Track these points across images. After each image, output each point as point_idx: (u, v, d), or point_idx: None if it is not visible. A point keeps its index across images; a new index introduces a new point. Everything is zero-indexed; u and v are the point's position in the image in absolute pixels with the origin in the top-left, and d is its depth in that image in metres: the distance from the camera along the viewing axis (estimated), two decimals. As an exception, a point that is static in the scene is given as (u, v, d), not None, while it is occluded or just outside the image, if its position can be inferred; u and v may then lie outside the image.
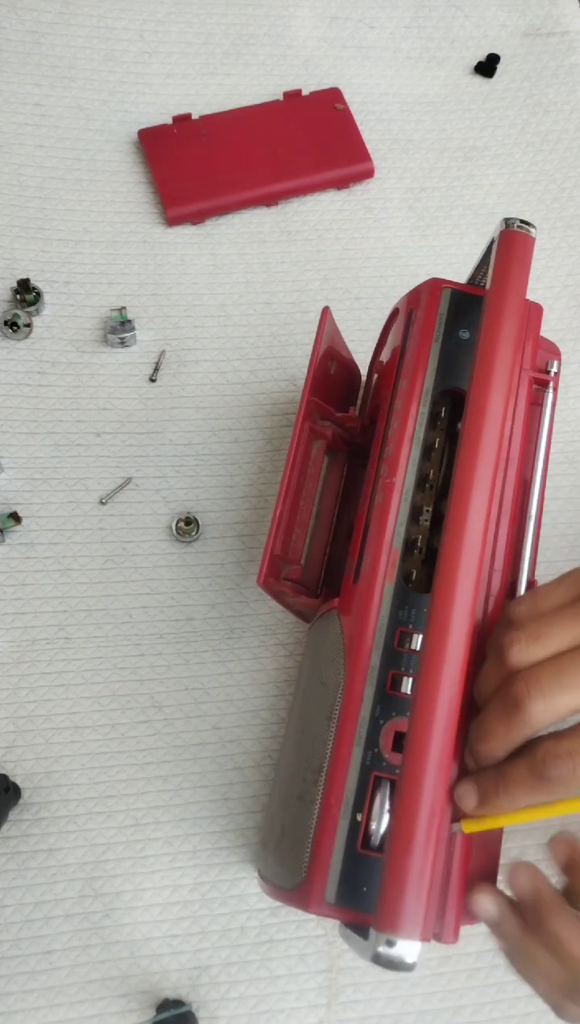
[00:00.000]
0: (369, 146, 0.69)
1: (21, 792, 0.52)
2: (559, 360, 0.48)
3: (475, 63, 0.74)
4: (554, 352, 0.49)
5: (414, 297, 0.48)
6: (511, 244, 0.41)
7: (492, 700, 0.37)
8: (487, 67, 0.73)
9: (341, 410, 0.52)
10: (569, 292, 0.67)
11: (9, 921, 0.50)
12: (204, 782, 0.53)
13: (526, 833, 0.53)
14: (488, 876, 0.39)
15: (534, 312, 0.47)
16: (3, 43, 0.70)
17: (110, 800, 0.52)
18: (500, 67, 0.74)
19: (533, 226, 0.42)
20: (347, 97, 0.71)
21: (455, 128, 0.72)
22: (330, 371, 0.54)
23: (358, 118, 0.70)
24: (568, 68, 0.74)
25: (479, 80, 0.74)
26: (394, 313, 0.51)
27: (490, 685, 0.38)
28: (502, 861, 0.40)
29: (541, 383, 0.47)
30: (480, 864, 0.39)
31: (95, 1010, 0.48)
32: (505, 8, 0.76)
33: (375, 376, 0.54)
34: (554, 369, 0.47)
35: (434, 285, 0.47)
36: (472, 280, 0.48)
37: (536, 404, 0.47)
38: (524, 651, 0.37)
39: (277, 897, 0.41)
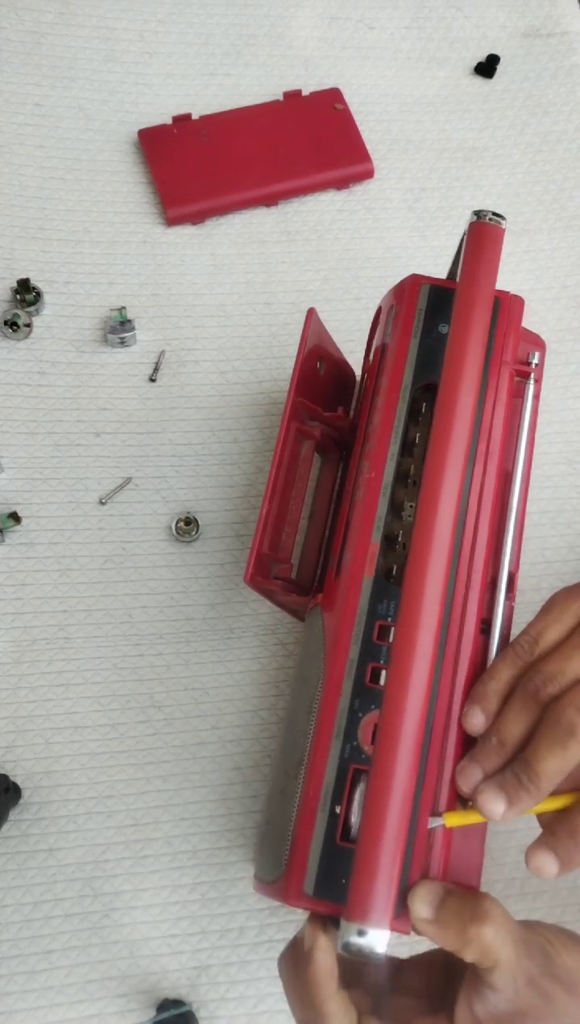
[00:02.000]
0: (369, 146, 0.69)
1: (21, 792, 0.52)
2: (542, 352, 0.48)
3: (475, 64, 0.74)
4: (538, 344, 0.49)
5: (397, 294, 0.49)
6: (480, 236, 0.42)
7: (542, 735, 0.37)
8: (487, 68, 0.73)
9: (333, 410, 0.52)
10: (569, 292, 0.67)
11: (9, 921, 0.50)
12: (204, 782, 0.53)
13: (508, 834, 0.53)
14: (472, 869, 0.39)
15: (515, 304, 0.47)
16: (3, 43, 0.70)
17: (110, 800, 0.52)
18: (500, 68, 0.74)
19: (503, 218, 0.42)
20: (347, 97, 0.71)
21: (455, 128, 0.72)
22: (319, 371, 0.54)
23: (358, 118, 0.70)
24: (568, 69, 0.74)
25: (479, 80, 0.74)
26: (379, 313, 0.52)
27: (519, 727, 0.38)
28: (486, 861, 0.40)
29: (523, 375, 0.47)
30: (462, 864, 0.39)
31: (95, 1010, 0.49)
32: (505, 9, 0.76)
33: (365, 376, 0.55)
34: (535, 360, 0.47)
35: (413, 281, 0.47)
36: (451, 275, 0.48)
37: (518, 396, 0.47)
38: (556, 684, 0.38)
39: (263, 892, 0.41)
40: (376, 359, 0.48)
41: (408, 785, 0.33)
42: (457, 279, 0.47)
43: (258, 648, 0.56)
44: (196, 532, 0.58)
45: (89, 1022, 0.48)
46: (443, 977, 0.39)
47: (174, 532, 0.58)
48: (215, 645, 0.56)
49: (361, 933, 0.32)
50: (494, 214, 0.42)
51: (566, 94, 0.74)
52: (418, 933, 0.36)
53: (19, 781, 0.52)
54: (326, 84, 0.71)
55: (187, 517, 0.58)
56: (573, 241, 0.69)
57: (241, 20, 0.73)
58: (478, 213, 0.42)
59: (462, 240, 0.43)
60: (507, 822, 0.37)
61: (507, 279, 0.48)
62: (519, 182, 0.71)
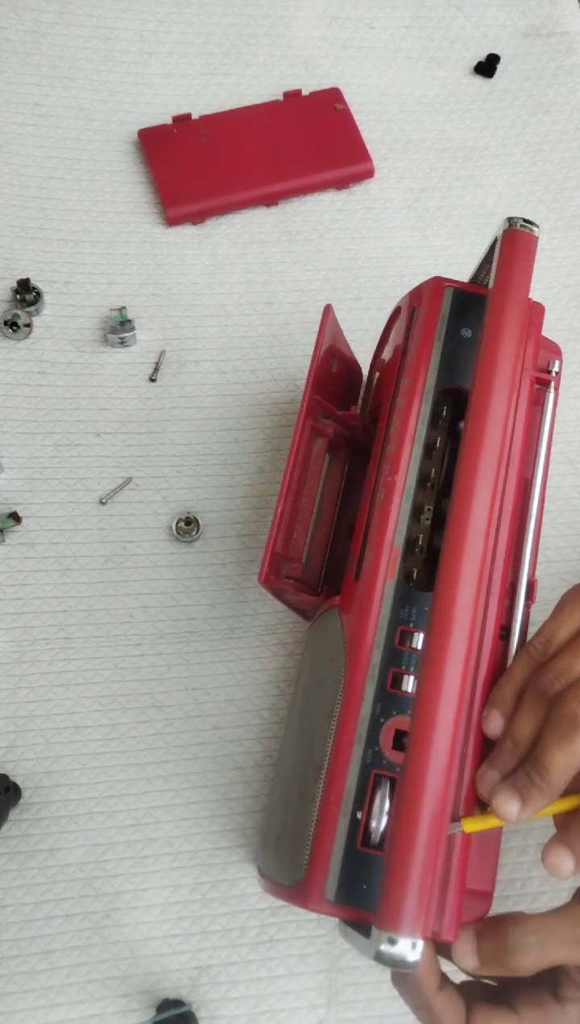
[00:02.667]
0: (369, 146, 0.69)
1: (21, 792, 0.52)
2: (560, 360, 0.48)
3: (475, 63, 0.74)
4: (555, 352, 0.49)
5: (417, 296, 0.48)
6: (514, 243, 0.41)
7: (548, 731, 0.37)
8: (487, 67, 0.73)
9: (341, 408, 0.52)
10: (569, 292, 0.67)
11: (9, 921, 0.50)
12: (205, 782, 0.53)
13: (508, 834, 0.53)
14: (487, 874, 0.39)
15: (536, 312, 0.47)
16: (3, 43, 0.70)
17: (110, 800, 0.52)
18: (500, 67, 0.74)
19: (536, 225, 0.42)
20: (347, 97, 0.71)
21: (455, 128, 0.72)
22: (332, 369, 0.54)
23: (358, 118, 0.70)
24: (568, 68, 0.74)
25: (479, 80, 0.74)
26: (396, 311, 0.51)
27: (530, 726, 0.39)
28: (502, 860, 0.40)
29: (542, 383, 0.47)
30: (477, 865, 0.39)
31: (95, 1010, 0.48)
32: (505, 8, 0.76)
33: (377, 375, 0.54)
34: (555, 369, 0.47)
35: (437, 284, 0.47)
36: (475, 279, 0.48)
37: (537, 404, 0.47)
38: (563, 680, 0.38)
39: (277, 894, 0.41)
40: (396, 359, 0.48)
41: (440, 794, 0.33)
42: (481, 282, 0.47)
43: (259, 648, 0.56)
44: (196, 532, 0.58)
45: (89, 1022, 0.48)
46: None
47: (174, 532, 0.58)
48: (216, 645, 0.56)
49: (392, 941, 0.32)
50: (525, 220, 0.41)
51: (566, 94, 0.74)
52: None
53: (19, 781, 0.52)
54: (326, 84, 0.71)
55: (187, 517, 0.58)
56: (573, 241, 0.69)
57: (241, 20, 0.73)
58: (510, 220, 0.42)
59: (492, 246, 0.43)
60: (523, 821, 0.37)
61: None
62: (519, 182, 0.71)
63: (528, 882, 0.52)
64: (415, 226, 0.69)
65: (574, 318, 0.67)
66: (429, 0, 0.76)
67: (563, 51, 0.75)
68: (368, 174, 0.69)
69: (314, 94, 0.70)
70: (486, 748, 0.40)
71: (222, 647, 0.56)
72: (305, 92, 0.70)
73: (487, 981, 0.40)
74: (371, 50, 0.74)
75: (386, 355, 0.52)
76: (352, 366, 0.57)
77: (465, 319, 0.46)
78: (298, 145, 0.68)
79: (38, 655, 0.55)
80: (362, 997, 0.50)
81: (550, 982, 0.37)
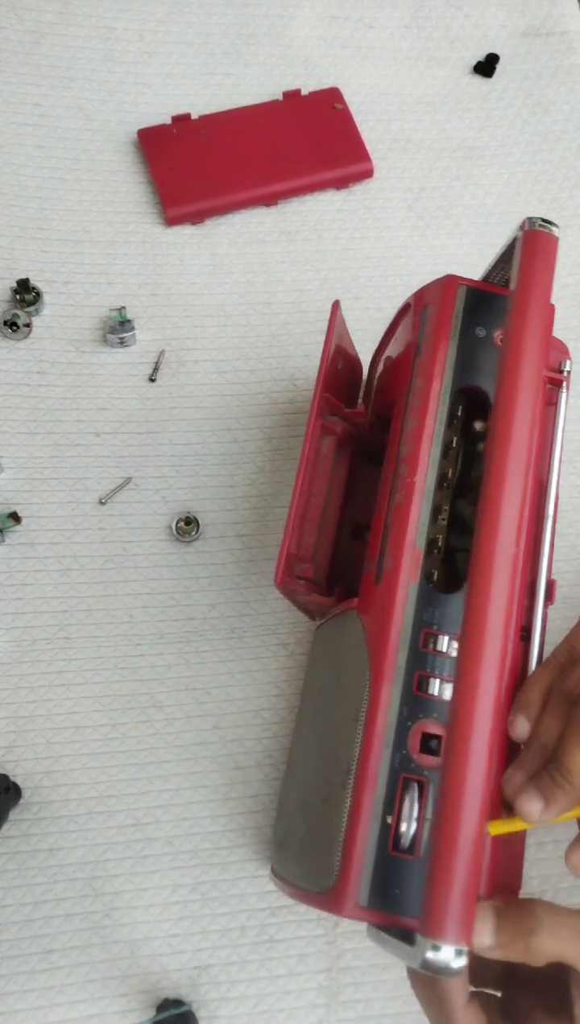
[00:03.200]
0: (368, 146, 0.69)
1: (22, 792, 0.52)
2: (570, 359, 0.48)
3: (474, 63, 0.74)
4: (564, 352, 0.48)
5: (427, 293, 0.48)
6: (536, 244, 0.41)
7: (571, 732, 0.37)
8: (486, 67, 0.73)
9: (347, 406, 0.52)
10: (569, 292, 0.67)
11: (9, 921, 0.50)
12: (205, 782, 0.53)
13: (545, 831, 0.53)
14: (512, 877, 0.39)
15: (546, 312, 0.47)
16: (3, 43, 0.70)
17: (111, 800, 0.52)
18: (500, 67, 0.74)
19: (556, 225, 0.41)
20: (347, 97, 0.71)
21: (455, 128, 0.72)
22: (338, 367, 0.53)
23: (358, 118, 0.70)
24: (567, 68, 0.74)
25: (479, 80, 0.74)
26: (405, 308, 0.51)
27: (557, 729, 0.39)
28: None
29: (555, 383, 0.47)
30: (503, 866, 0.39)
31: (95, 1010, 0.48)
32: (505, 8, 0.76)
33: (378, 372, 0.54)
34: (567, 368, 0.47)
35: (450, 282, 0.47)
36: (488, 278, 0.48)
37: (550, 404, 0.47)
38: None
39: (302, 899, 0.41)
40: (408, 358, 0.48)
41: (481, 798, 0.32)
42: (495, 282, 0.46)
43: (259, 648, 0.56)
44: (196, 532, 0.58)
45: (89, 1022, 0.48)
46: (553, 969, 0.39)
47: (174, 532, 0.58)
48: (216, 645, 0.56)
49: (435, 948, 0.31)
50: (544, 220, 0.41)
51: (566, 93, 0.73)
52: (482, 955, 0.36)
53: (20, 781, 0.52)
54: (326, 84, 0.71)
55: (187, 517, 0.58)
56: (573, 240, 0.69)
57: (240, 20, 0.73)
58: (531, 220, 0.41)
59: (511, 245, 0.43)
60: (546, 823, 0.37)
61: (507, 278, 0.48)
62: (519, 181, 0.71)
63: (528, 881, 0.52)
64: (415, 226, 0.69)
65: (574, 318, 0.67)
66: (428, 0, 0.76)
67: (562, 51, 0.75)
68: (367, 174, 0.69)
69: (313, 94, 0.70)
70: (511, 752, 0.40)
71: (222, 647, 0.56)
72: (304, 92, 0.70)
73: (486, 990, 0.39)
74: (371, 50, 0.74)
75: (393, 352, 0.52)
76: (354, 364, 0.57)
77: (479, 318, 0.46)
78: (297, 145, 0.68)
79: (38, 655, 0.55)
80: (362, 997, 0.50)
81: (559, 1001, 0.37)
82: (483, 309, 0.46)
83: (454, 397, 0.45)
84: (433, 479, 0.43)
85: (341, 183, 0.69)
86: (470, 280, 0.47)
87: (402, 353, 0.49)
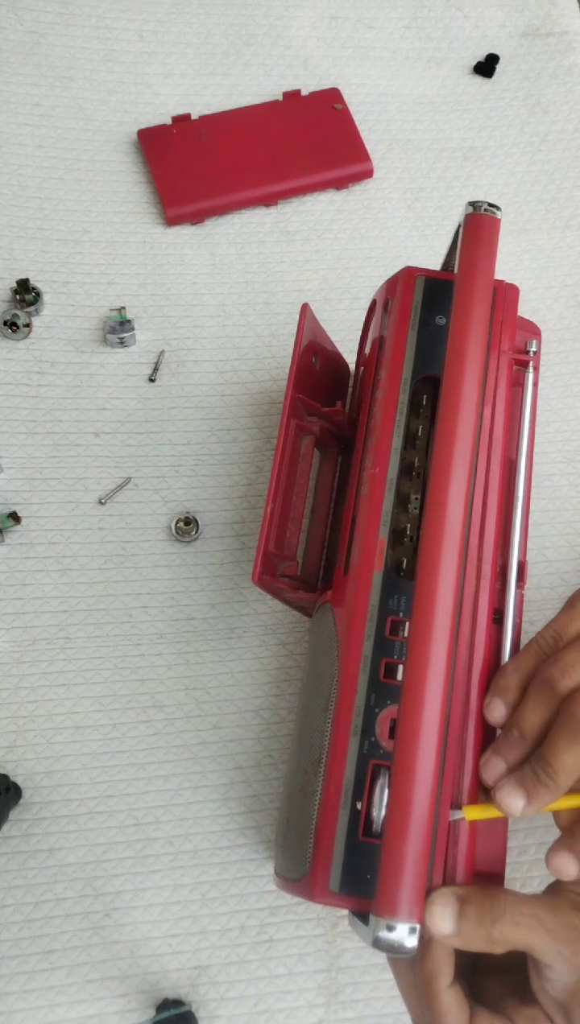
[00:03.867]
0: (368, 146, 0.69)
1: (22, 792, 0.52)
2: (539, 339, 0.48)
3: (474, 63, 0.74)
4: (534, 332, 0.49)
5: (390, 287, 0.49)
6: (477, 227, 0.42)
7: (558, 729, 0.37)
8: (486, 67, 0.73)
9: (329, 405, 0.52)
10: (569, 291, 0.67)
11: (9, 921, 0.50)
12: (205, 782, 0.53)
13: (528, 831, 0.53)
14: (494, 864, 0.39)
15: (511, 293, 0.47)
16: (3, 43, 0.70)
17: (111, 800, 0.52)
18: (499, 67, 0.74)
19: (499, 208, 0.42)
20: (346, 97, 0.71)
21: (454, 128, 0.72)
22: (315, 366, 0.54)
23: (357, 118, 0.70)
24: (567, 68, 0.74)
25: (478, 80, 0.74)
26: (373, 305, 0.52)
27: (537, 717, 0.38)
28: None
29: (521, 363, 0.47)
30: (486, 852, 0.39)
31: (95, 1010, 0.49)
32: (504, 8, 0.76)
33: (361, 370, 0.55)
34: (533, 348, 0.47)
35: (408, 274, 0.47)
36: (445, 266, 0.48)
37: (518, 385, 0.47)
38: (573, 675, 0.38)
39: (287, 889, 0.41)
40: (374, 352, 0.48)
41: (431, 779, 0.33)
42: (453, 270, 0.47)
43: (259, 648, 0.56)
44: (196, 532, 0.58)
45: (89, 1022, 0.48)
46: (518, 955, 0.38)
47: (174, 532, 0.58)
48: (216, 645, 0.56)
49: (390, 928, 0.32)
50: (490, 204, 0.42)
51: (565, 93, 0.74)
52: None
53: (20, 781, 0.52)
54: (325, 84, 0.71)
55: (187, 517, 0.58)
56: (573, 240, 0.69)
57: (240, 20, 0.73)
58: (474, 204, 0.42)
59: (457, 232, 0.43)
60: (526, 817, 0.37)
61: (507, 278, 0.48)
62: (518, 181, 0.71)
63: (528, 881, 0.52)
64: (414, 226, 0.69)
65: (574, 317, 0.67)
66: (428, 0, 0.76)
67: (562, 51, 0.75)
68: (367, 174, 0.69)
69: (313, 94, 0.70)
70: (487, 734, 0.40)
71: (222, 647, 0.56)
72: (304, 92, 0.70)
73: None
74: (370, 50, 0.74)
75: (366, 349, 0.53)
76: (336, 361, 0.57)
77: (438, 307, 0.47)
78: (297, 145, 0.68)
79: (38, 655, 0.55)
80: (361, 997, 0.50)
81: (527, 985, 0.37)
82: (441, 297, 0.47)
83: (417, 387, 0.45)
84: (396, 468, 0.44)
85: (341, 183, 0.69)
86: (427, 270, 0.47)
87: (371, 349, 0.49)
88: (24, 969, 0.49)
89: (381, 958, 0.50)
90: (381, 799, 0.38)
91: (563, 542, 0.60)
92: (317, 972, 0.50)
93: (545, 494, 0.61)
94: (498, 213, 0.42)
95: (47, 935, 0.50)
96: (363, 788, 0.38)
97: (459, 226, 0.43)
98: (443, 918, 0.35)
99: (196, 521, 0.58)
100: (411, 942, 0.32)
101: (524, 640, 0.42)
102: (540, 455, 0.61)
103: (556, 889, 0.37)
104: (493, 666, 0.42)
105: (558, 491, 0.61)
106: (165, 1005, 0.48)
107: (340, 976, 0.50)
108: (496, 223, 0.42)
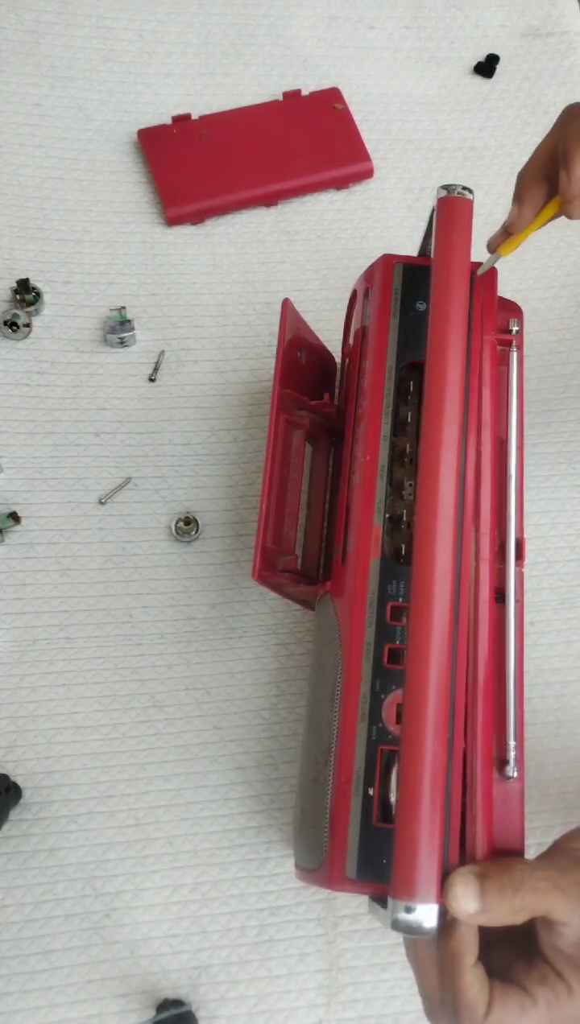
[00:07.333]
0: (368, 146, 0.69)
1: (22, 792, 0.52)
2: (521, 319, 0.48)
3: (475, 63, 0.74)
4: (515, 311, 0.49)
5: (369, 276, 0.49)
6: (451, 209, 0.42)
7: None
8: (486, 67, 0.73)
9: (318, 398, 0.53)
10: (569, 292, 0.67)
11: (9, 921, 0.50)
12: (205, 782, 0.53)
13: (552, 812, 0.53)
14: (512, 840, 0.39)
15: (489, 274, 0.47)
16: (3, 43, 0.70)
17: (111, 800, 0.52)
18: (499, 67, 0.74)
19: (471, 191, 0.42)
20: (347, 97, 0.71)
21: (454, 128, 0.72)
22: (300, 360, 0.54)
23: (357, 118, 0.70)
24: (567, 68, 0.74)
25: (478, 80, 0.74)
26: (354, 295, 0.52)
27: None
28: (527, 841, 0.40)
29: (505, 343, 0.47)
30: (502, 827, 0.39)
31: (95, 1010, 0.48)
32: (504, 8, 0.76)
33: (347, 361, 0.55)
34: (515, 328, 0.47)
35: (386, 261, 0.47)
36: (422, 252, 0.48)
37: (503, 365, 0.47)
38: None
39: (307, 880, 0.41)
40: (357, 342, 0.48)
41: (439, 759, 0.33)
42: (430, 255, 0.47)
43: (259, 648, 0.56)
44: (196, 532, 0.58)
45: (89, 1022, 0.48)
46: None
47: (174, 532, 0.58)
48: (216, 645, 0.56)
49: (409, 910, 0.32)
50: (463, 187, 0.42)
51: (565, 94, 0.73)
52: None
53: (20, 781, 0.52)
54: (325, 84, 0.71)
55: (187, 517, 0.58)
56: (573, 241, 0.69)
57: (240, 20, 0.73)
58: (447, 187, 0.42)
59: (431, 215, 0.44)
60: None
61: (507, 279, 0.48)
62: (518, 182, 0.71)
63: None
64: (414, 226, 0.69)
65: (574, 318, 0.67)
66: (429, 0, 0.76)
67: (562, 51, 0.75)
68: (367, 174, 0.69)
69: (314, 94, 0.70)
70: (496, 712, 0.40)
71: (222, 647, 0.56)
72: (305, 92, 0.70)
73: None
74: (370, 50, 0.74)
75: (351, 340, 0.53)
76: (322, 354, 0.57)
77: (418, 292, 0.47)
78: (297, 145, 0.68)
79: (38, 655, 0.55)
80: (361, 997, 0.50)
81: (530, 948, 0.37)
82: (420, 283, 0.47)
83: (402, 373, 0.45)
84: (386, 456, 0.44)
85: (341, 183, 0.69)
86: (405, 257, 0.47)
87: (354, 339, 0.50)
88: (24, 969, 0.49)
89: (381, 958, 0.50)
90: (391, 784, 0.38)
91: (563, 543, 0.60)
92: (317, 972, 0.50)
93: (545, 495, 0.61)
94: (469, 195, 0.42)
95: (47, 935, 0.50)
96: (374, 774, 0.39)
97: (433, 210, 0.43)
98: (466, 898, 0.35)
99: (196, 521, 0.58)
100: (430, 922, 0.32)
101: (525, 616, 0.42)
102: (540, 456, 0.61)
103: (557, 849, 0.37)
104: (497, 646, 0.42)
105: (558, 492, 0.61)
106: (165, 1005, 0.48)
107: (340, 976, 0.50)
108: (469, 204, 0.42)
